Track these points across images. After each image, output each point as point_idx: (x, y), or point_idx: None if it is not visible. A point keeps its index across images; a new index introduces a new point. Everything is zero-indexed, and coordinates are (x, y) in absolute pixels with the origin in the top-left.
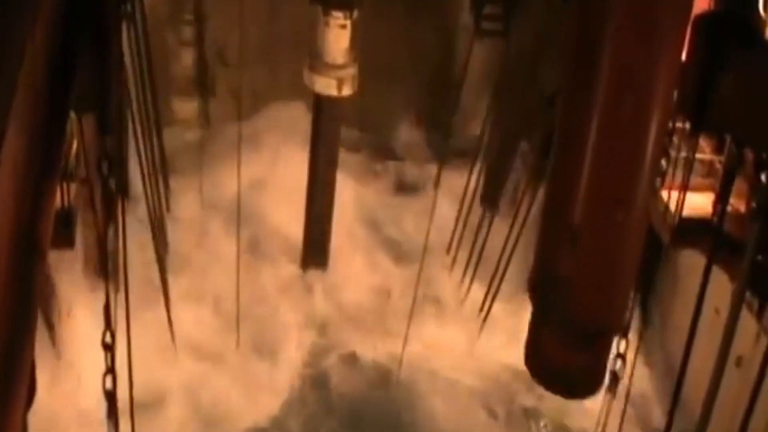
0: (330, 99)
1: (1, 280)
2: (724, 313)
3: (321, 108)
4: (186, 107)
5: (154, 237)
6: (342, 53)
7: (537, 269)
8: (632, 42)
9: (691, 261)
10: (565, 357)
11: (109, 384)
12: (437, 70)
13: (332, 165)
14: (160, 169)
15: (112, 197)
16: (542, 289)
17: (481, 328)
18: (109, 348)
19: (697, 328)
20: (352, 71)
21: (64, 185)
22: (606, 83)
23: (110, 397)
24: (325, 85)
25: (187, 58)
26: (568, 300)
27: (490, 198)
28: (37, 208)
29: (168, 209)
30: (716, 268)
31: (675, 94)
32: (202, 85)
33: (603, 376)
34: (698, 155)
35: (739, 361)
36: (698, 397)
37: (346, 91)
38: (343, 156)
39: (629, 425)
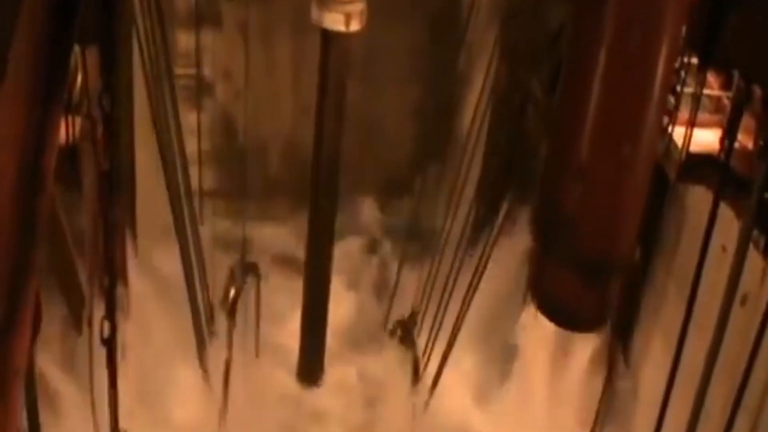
0: (338, 35)
1: (5, 212)
2: (731, 251)
3: (328, 45)
4: (189, 41)
5: (164, 163)
6: None
7: (542, 205)
8: None
9: (698, 198)
10: (569, 292)
11: (107, 331)
12: (442, 7)
13: (342, 91)
14: (171, 105)
15: (114, 133)
16: (547, 224)
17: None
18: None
19: (704, 265)
20: (360, 6)
21: (69, 120)
22: (614, 17)
23: (109, 344)
24: (333, 21)
25: None
26: (573, 236)
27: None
28: (40, 140)
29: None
30: (723, 205)
31: (684, 29)
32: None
33: (607, 313)
34: (706, 91)
35: (744, 300)
36: (704, 335)
37: (354, 26)
38: None
39: None
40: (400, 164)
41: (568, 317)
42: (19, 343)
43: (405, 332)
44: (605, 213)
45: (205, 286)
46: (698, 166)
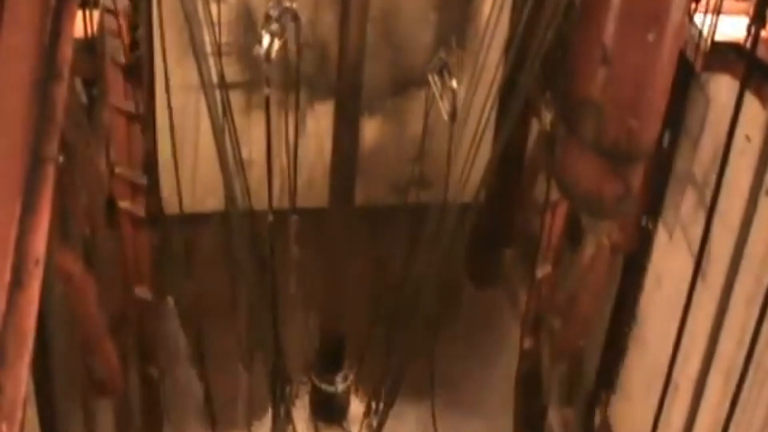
0: None
1: (23, 98)
2: (756, 141)
3: None
4: None
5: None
6: None
7: (569, 89)
8: None
9: (723, 87)
10: (593, 178)
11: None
12: None
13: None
14: None
15: (137, 28)
16: (572, 109)
17: None
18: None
19: (729, 154)
20: None
21: (88, 14)
22: None
23: None
24: None
25: None
26: (597, 121)
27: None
28: (57, 27)
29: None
30: (748, 94)
31: None
32: None
33: (631, 199)
34: None
35: None
36: (731, 225)
37: None
38: None
39: None
40: (419, 51)
41: (591, 203)
42: (38, 232)
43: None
44: (630, 99)
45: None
46: (724, 54)
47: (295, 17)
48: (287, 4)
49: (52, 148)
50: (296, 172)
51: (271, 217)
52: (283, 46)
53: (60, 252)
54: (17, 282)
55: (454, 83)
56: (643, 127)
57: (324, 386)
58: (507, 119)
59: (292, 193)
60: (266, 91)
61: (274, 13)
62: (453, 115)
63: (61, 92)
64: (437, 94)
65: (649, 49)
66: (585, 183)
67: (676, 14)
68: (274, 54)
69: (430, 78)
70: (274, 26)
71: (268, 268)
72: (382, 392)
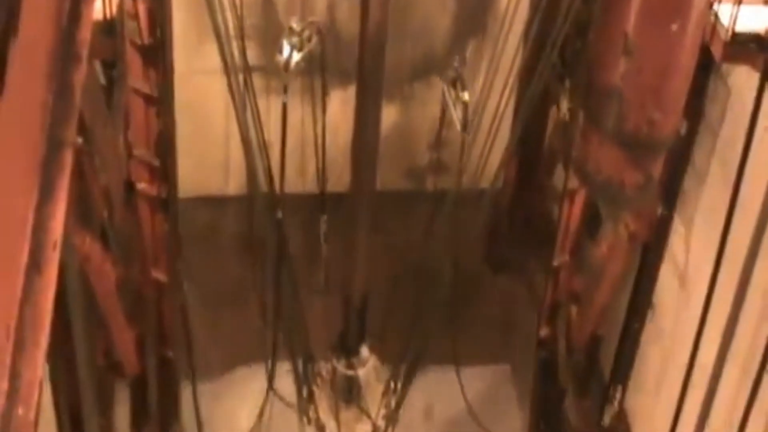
0: None
1: (41, 82)
2: None
3: None
4: None
5: (221, 50)
6: None
7: (590, 78)
8: None
9: (744, 78)
10: (613, 167)
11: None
12: None
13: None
14: None
15: (156, 10)
16: (593, 99)
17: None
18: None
19: (750, 146)
20: None
21: None
22: None
23: None
24: None
25: None
26: (619, 111)
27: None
28: (75, 12)
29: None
30: None
31: None
32: None
33: (652, 194)
34: None
35: None
36: (750, 217)
37: None
38: None
39: None
40: (438, 40)
41: (611, 192)
42: (56, 217)
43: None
44: (652, 88)
45: (264, 150)
46: (745, 45)
47: (319, 31)
48: (311, 19)
49: (71, 132)
50: (324, 161)
51: (280, 214)
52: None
53: (78, 234)
54: (35, 266)
55: (466, 96)
56: (664, 117)
57: (343, 369)
58: (525, 107)
59: (321, 179)
60: (284, 98)
61: (297, 26)
62: (464, 125)
63: (79, 76)
64: (450, 105)
65: (671, 39)
66: (605, 172)
67: (699, 4)
68: (293, 65)
69: (443, 89)
70: (295, 39)
71: (286, 255)
72: (400, 373)
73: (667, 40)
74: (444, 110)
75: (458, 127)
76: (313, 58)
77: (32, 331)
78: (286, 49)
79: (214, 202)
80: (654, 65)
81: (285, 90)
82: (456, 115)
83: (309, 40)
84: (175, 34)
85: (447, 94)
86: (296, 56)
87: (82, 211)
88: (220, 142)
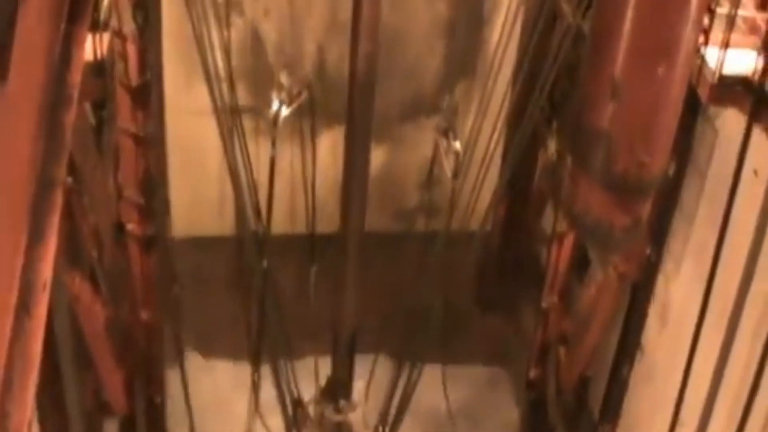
0: None
1: (32, 125)
2: (763, 174)
3: None
4: None
5: (211, 91)
6: None
7: (578, 120)
8: None
9: (731, 120)
10: (602, 209)
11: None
12: None
13: (375, 17)
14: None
15: (146, 51)
16: (582, 141)
17: None
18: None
19: (737, 188)
20: None
21: (97, 37)
22: None
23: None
24: None
25: None
26: (607, 153)
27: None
28: (67, 54)
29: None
30: (756, 129)
31: None
32: None
33: (641, 236)
34: (740, 11)
35: None
36: (738, 259)
37: None
38: None
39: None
40: (428, 82)
41: (599, 234)
42: (45, 256)
43: None
44: (639, 131)
45: (253, 191)
46: (731, 87)
47: (308, 85)
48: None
49: (61, 172)
50: (314, 208)
51: (265, 263)
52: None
53: (67, 274)
54: (24, 307)
55: (457, 145)
56: (652, 160)
57: (332, 414)
58: (514, 148)
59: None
60: (271, 151)
61: (286, 81)
62: (455, 173)
63: (70, 117)
64: (442, 153)
65: (659, 82)
66: (593, 214)
67: (685, 48)
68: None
69: (435, 137)
70: (284, 95)
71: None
72: (388, 416)
73: (655, 83)
74: (435, 156)
75: (449, 174)
76: (302, 105)
77: (21, 372)
78: (275, 103)
79: (208, 242)
80: (642, 108)
81: (273, 143)
82: (447, 163)
83: (299, 94)
84: (165, 75)
85: (439, 142)
86: (285, 111)
87: (71, 251)
88: (212, 182)
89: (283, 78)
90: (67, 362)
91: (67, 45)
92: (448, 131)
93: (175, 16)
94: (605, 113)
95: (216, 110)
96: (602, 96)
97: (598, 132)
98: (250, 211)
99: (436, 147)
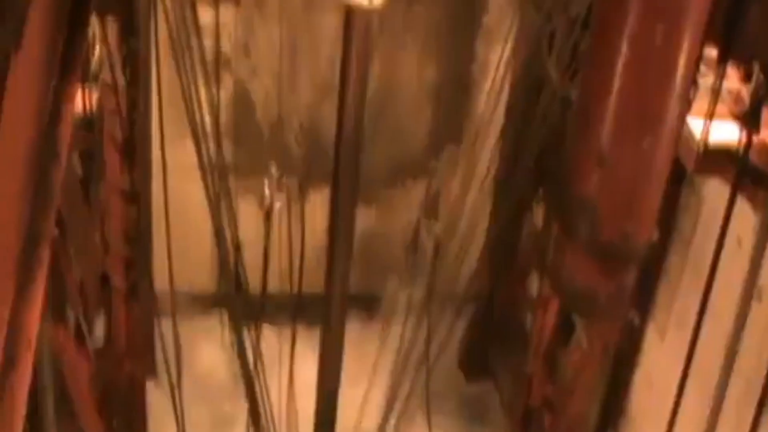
0: (361, 9)
1: (19, 181)
2: (747, 244)
3: (352, 19)
4: (208, 15)
5: (198, 149)
6: None
7: (564, 188)
8: None
9: (715, 190)
10: (588, 278)
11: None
12: None
13: (364, 65)
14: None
15: (135, 106)
16: (567, 209)
17: None
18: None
19: (720, 258)
20: None
21: (86, 90)
22: (637, 6)
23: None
24: None
25: None
26: (593, 222)
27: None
28: (56, 109)
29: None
30: (740, 198)
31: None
32: None
33: (626, 304)
34: (725, 83)
35: (760, 294)
36: (720, 329)
37: (377, 0)
38: None
39: None
40: (415, 146)
41: (584, 302)
42: (31, 313)
43: None
44: (625, 201)
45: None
46: (716, 158)
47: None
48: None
49: (48, 227)
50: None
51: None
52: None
53: (52, 328)
54: (9, 362)
55: (438, 227)
56: (638, 229)
57: None
58: (500, 213)
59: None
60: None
61: (276, 172)
62: (436, 253)
63: (58, 173)
64: (423, 233)
65: (644, 154)
66: (578, 282)
67: (671, 120)
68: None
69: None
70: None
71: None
72: None
73: (641, 155)
74: (418, 226)
75: (429, 253)
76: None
77: (6, 426)
78: (266, 196)
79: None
80: (627, 178)
81: (266, 235)
82: (429, 244)
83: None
84: (153, 130)
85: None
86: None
87: (56, 304)
88: (200, 239)
89: (273, 168)
90: (50, 414)
91: (57, 100)
92: (429, 210)
93: (164, 71)
94: (591, 182)
95: (202, 168)
96: (588, 164)
97: (585, 201)
98: (236, 271)
99: (419, 220)
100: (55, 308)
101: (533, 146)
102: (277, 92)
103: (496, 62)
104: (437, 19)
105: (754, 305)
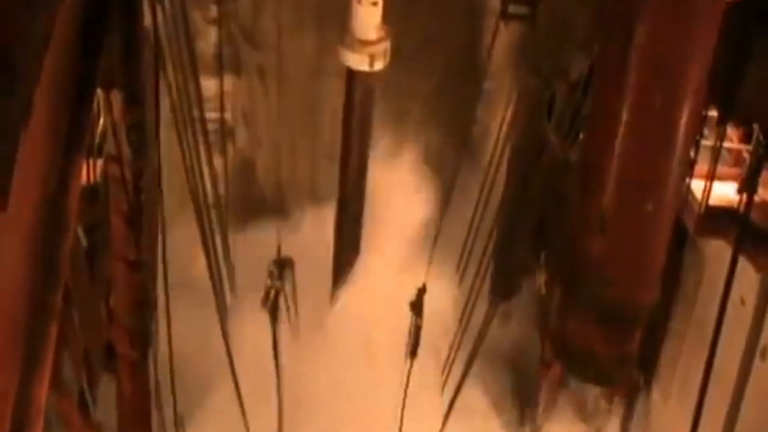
0: (362, 74)
1: (26, 253)
2: (750, 303)
3: (354, 84)
4: (210, 86)
5: (199, 219)
6: (374, 29)
7: (567, 253)
8: (667, 24)
9: (717, 250)
10: (591, 342)
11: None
12: (462, 53)
13: (367, 127)
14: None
15: (141, 176)
16: (571, 274)
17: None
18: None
19: (723, 318)
20: (383, 46)
21: (91, 162)
22: (638, 72)
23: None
24: (358, 61)
25: (212, 36)
26: (595, 282)
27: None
28: (63, 181)
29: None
30: (742, 258)
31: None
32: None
33: (630, 366)
34: (725, 144)
35: (763, 352)
36: (724, 388)
37: (378, 66)
38: None
39: None
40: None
41: (590, 366)
42: (40, 382)
43: None
44: (629, 265)
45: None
46: (717, 218)
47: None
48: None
49: (56, 300)
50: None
51: None
52: None
53: (57, 399)
54: None
55: (420, 321)
56: (641, 292)
57: None
58: (503, 277)
59: None
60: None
61: (275, 269)
62: (414, 349)
63: (65, 245)
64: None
65: (647, 219)
66: (582, 346)
67: (673, 183)
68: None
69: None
70: (277, 283)
71: None
72: None
73: (643, 220)
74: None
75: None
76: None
77: None
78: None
79: None
80: (631, 243)
81: (274, 344)
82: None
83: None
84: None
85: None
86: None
87: (60, 374)
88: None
89: (271, 266)
90: None
91: (64, 174)
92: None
93: (167, 143)
94: (595, 246)
95: (204, 239)
96: (591, 230)
97: (588, 265)
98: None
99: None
100: (59, 378)
101: (534, 210)
102: (278, 160)
103: (495, 127)
104: (438, 84)
105: (757, 363)
